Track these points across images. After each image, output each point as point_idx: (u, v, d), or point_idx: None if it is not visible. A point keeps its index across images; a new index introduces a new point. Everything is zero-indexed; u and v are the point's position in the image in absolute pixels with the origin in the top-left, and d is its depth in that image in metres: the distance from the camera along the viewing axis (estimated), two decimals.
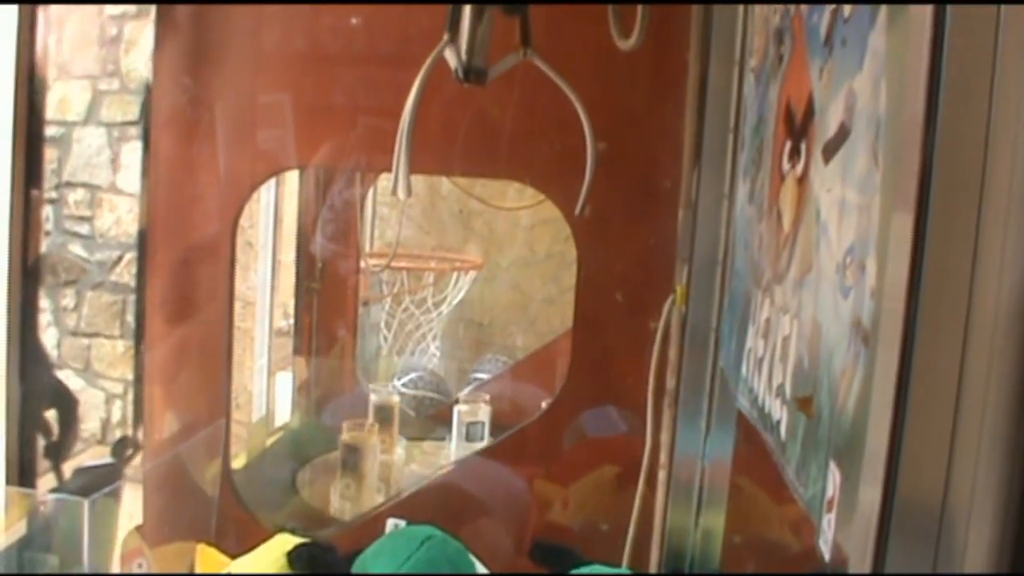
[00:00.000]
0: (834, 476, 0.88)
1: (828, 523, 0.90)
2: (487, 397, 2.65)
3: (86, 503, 1.51)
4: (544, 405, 2.22)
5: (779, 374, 1.14)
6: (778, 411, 1.13)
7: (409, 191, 1.53)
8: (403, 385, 3.11)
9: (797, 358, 1.06)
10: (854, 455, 0.81)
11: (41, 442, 2.02)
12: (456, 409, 2.60)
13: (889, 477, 0.64)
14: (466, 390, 2.98)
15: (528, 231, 3.46)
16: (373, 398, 2.63)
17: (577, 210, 1.66)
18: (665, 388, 1.87)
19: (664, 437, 1.84)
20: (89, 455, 2.67)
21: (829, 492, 0.89)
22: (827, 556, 0.90)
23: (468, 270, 3.25)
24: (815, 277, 1.01)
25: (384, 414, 2.64)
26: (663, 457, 1.83)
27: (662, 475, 1.81)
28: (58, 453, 2.06)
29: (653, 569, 1.83)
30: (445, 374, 3.26)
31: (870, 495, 0.67)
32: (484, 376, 3.22)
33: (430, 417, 2.89)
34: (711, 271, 1.69)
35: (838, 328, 0.91)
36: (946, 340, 0.64)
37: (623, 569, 1.87)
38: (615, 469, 1.98)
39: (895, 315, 0.65)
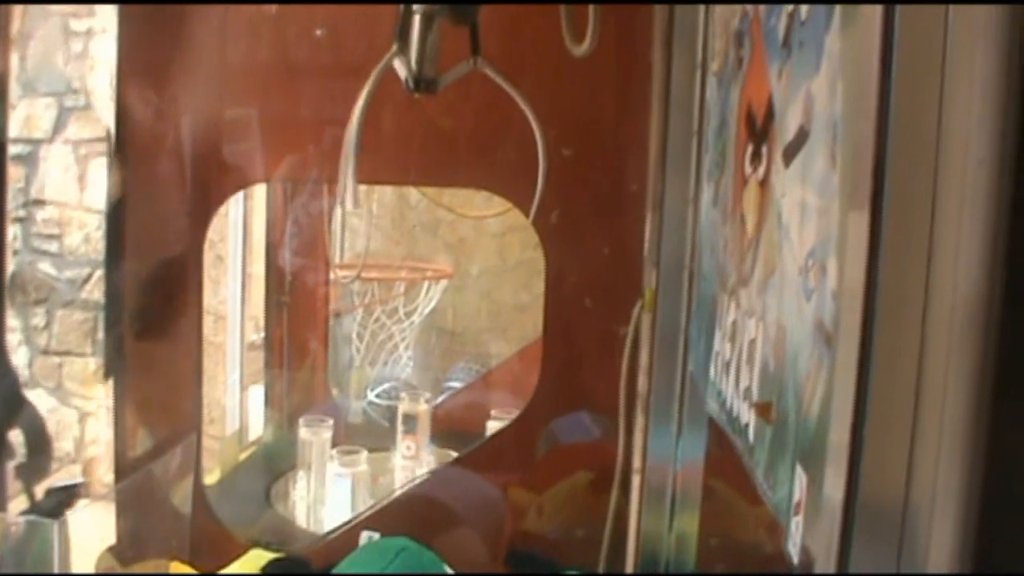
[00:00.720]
0: (800, 479, 0.88)
1: (795, 526, 0.90)
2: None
3: (56, 524, 1.50)
4: (514, 413, 2.22)
5: (746, 377, 1.14)
6: (745, 415, 1.13)
7: (357, 201, 1.53)
8: (376, 396, 3.11)
9: (763, 361, 1.06)
10: (819, 457, 0.81)
11: (11, 463, 2.00)
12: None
13: (851, 477, 0.64)
14: (440, 399, 2.97)
15: (498, 239, 3.46)
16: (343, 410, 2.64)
17: (531, 216, 1.67)
18: (636, 393, 1.88)
19: (636, 442, 1.84)
20: (63, 475, 2.65)
21: (796, 495, 0.89)
22: (795, 558, 0.90)
23: (438, 279, 3.24)
24: (779, 280, 1.01)
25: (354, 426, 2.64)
26: (636, 462, 1.83)
27: (635, 480, 1.81)
28: (28, 474, 2.04)
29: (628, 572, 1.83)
30: (419, 384, 3.25)
31: (833, 496, 0.67)
32: (457, 384, 3.21)
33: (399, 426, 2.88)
34: (679, 275, 1.69)
35: (802, 331, 0.91)
36: (904, 339, 0.64)
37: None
38: (589, 475, 1.98)
39: (853, 315, 0.65)
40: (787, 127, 0.99)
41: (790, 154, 0.97)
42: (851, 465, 0.64)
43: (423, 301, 3.23)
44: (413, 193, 3.28)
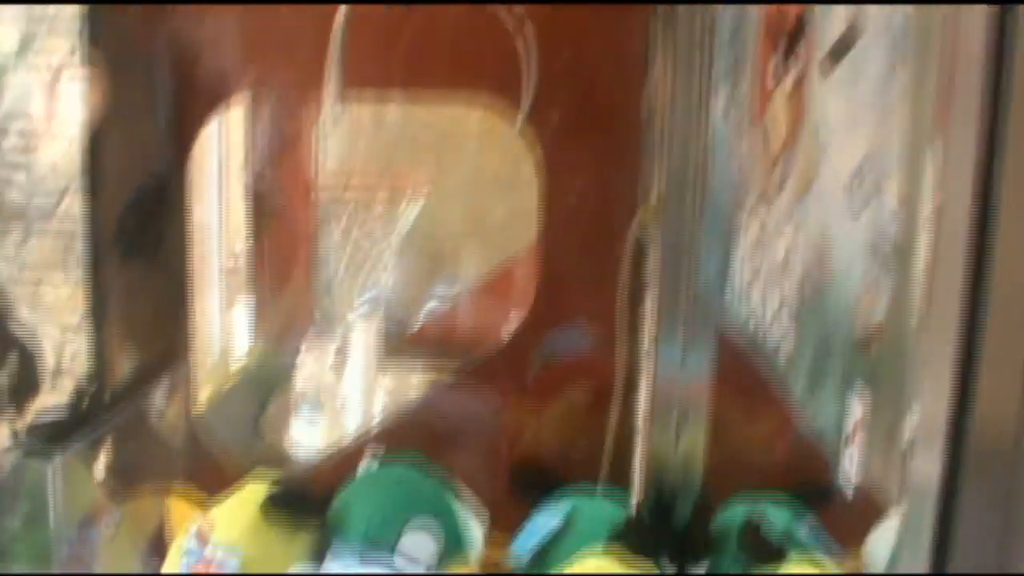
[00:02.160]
0: (855, 406, 0.85)
1: (848, 452, 0.87)
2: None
3: (50, 464, 1.46)
4: (510, 327, 2.19)
5: (776, 297, 1.11)
6: (776, 335, 1.10)
7: (341, 117, 1.48)
8: (360, 313, 3.07)
9: (799, 281, 1.03)
10: (885, 382, 0.78)
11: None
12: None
13: (959, 405, 0.59)
14: (424, 313, 2.94)
15: (476, 154, 3.40)
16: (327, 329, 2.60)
17: (517, 126, 1.62)
18: (635, 307, 1.85)
19: (639, 357, 1.82)
20: (42, 400, 2.60)
21: (851, 418, 0.86)
22: (848, 482, 0.87)
23: (418, 194, 3.19)
24: (816, 197, 0.97)
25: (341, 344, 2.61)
26: (640, 378, 1.81)
27: (641, 396, 1.79)
28: (16, 407, 2.00)
29: (635, 491, 1.82)
30: (402, 299, 3.21)
31: (931, 424, 0.62)
32: (441, 299, 3.18)
33: (389, 344, 2.85)
34: (682, 188, 1.65)
35: (849, 250, 0.87)
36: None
37: (600, 491, 1.86)
38: (587, 391, 1.96)
39: (955, 238, 0.59)
40: (828, 29, 0.93)
41: (834, 58, 0.92)
42: (959, 392, 0.59)
43: (403, 217, 3.18)
44: (391, 108, 3.20)
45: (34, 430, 1.98)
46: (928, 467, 0.59)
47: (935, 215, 0.66)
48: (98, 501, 1.71)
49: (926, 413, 0.60)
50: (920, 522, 0.60)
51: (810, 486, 1.61)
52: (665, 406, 1.74)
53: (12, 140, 3.13)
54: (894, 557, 0.65)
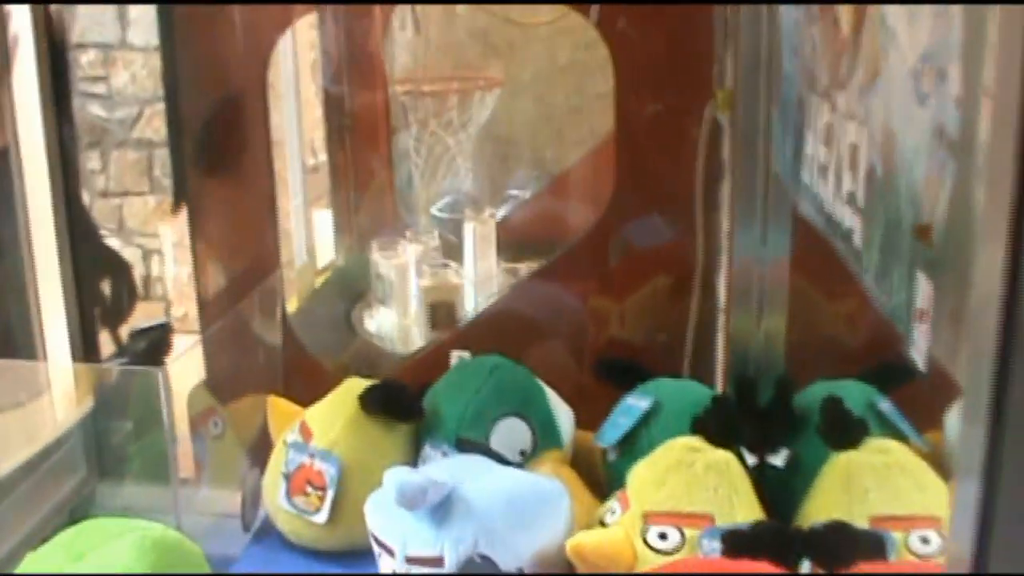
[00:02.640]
0: (923, 287, 0.88)
1: (919, 333, 0.90)
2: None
3: (160, 372, 1.52)
4: (589, 219, 2.22)
5: (848, 182, 1.12)
6: (849, 219, 1.12)
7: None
8: (439, 210, 3.10)
9: (869, 166, 1.04)
10: (947, 265, 0.81)
11: (98, 311, 2.03)
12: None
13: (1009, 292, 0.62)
14: (502, 208, 2.97)
15: (547, 42, 3.38)
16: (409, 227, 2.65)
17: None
18: (714, 193, 1.86)
19: (718, 243, 1.84)
20: (136, 316, 2.68)
21: (918, 303, 0.89)
22: (920, 363, 0.90)
23: (491, 87, 3.20)
24: (884, 84, 0.99)
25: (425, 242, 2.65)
26: (719, 263, 1.84)
27: (720, 281, 1.82)
28: (115, 320, 2.08)
29: (718, 377, 1.85)
30: (480, 194, 3.24)
31: (984, 307, 0.64)
32: (518, 193, 3.20)
33: (472, 241, 2.88)
34: (755, 74, 1.65)
35: (915, 137, 0.89)
36: None
37: (688, 379, 1.89)
38: (668, 280, 1.98)
39: (1007, 125, 0.61)
40: None
41: None
42: (1010, 271, 0.61)
43: (476, 111, 3.19)
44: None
45: (135, 338, 2.07)
46: (982, 343, 0.62)
47: (992, 100, 0.67)
48: (204, 405, 1.77)
49: (979, 292, 0.63)
50: (978, 396, 0.63)
51: (888, 367, 1.63)
52: (745, 290, 1.77)
53: (91, 55, 3.19)
54: (960, 431, 0.67)
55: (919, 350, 0.89)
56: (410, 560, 1.38)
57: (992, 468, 0.66)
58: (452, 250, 2.72)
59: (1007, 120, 0.60)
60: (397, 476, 1.40)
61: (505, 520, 1.39)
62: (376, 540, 1.45)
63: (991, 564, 0.68)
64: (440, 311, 2.39)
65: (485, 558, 1.37)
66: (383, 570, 1.46)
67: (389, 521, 1.42)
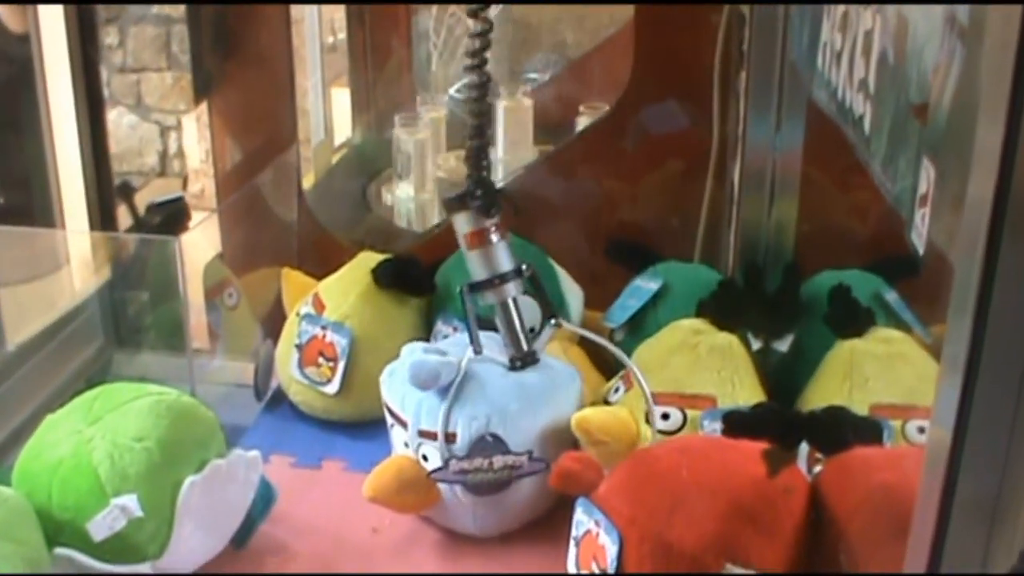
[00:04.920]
0: (928, 171, 0.88)
1: (921, 217, 0.91)
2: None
3: (176, 241, 1.54)
4: (606, 103, 2.21)
5: (861, 68, 1.13)
6: (860, 105, 1.13)
7: None
8: (456, 91, 3.09)
9: (881, 52, 1.05)
10: (950, 151, 0.82)
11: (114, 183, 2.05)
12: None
13: (1003, 174, 0.63)
14: (521, 90, 2.95)
15: None
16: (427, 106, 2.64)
17: None
18: (730, 80, 1.86)
19: (733, 130, 1.85)
20: (152, 190, 2.70)
21: (922, 187, 0.90)
22: (920, 248, 0.91)
23: None
24: None
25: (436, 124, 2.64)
26: (733, 149, 1.84)
27: (734, 168, 1.82)
28: (129, 192, 2.10)
29: (728, 261, 1.87)
30: (497, 76, 3.22)
31: (981, 193, 0.66)
32: (536, 76, 3.18)
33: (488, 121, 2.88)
34: None
35: (927, 23, 0.89)
36: None
37: (697, 263, 1.91)
38: (682, 164, 1.98)
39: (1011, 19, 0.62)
40: None
41: None
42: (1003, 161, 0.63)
43: None
44: None
45: (152, 211, 2.09)
46: (973, 231, 0.63)
47: None
48: (219, 276, 1.80)
49: (976, 182, 0.64)
50: (967, 285, 0.65)
51: (895, 259, 1.64)
52: (758, 177, 1.77)
53: None
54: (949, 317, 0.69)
55: (919, 235, 0.90)
56: (422, 434, 1.42)
57: (972, 361, 0.68)
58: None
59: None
60: (412, 355, 1.43)
61: (518, 402, 1.42)
62: (390, 411, 1.49)
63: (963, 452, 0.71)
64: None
65: (496, 437, 1.40)
66: (395, 440, 1.49)
67: (404, 394, 1.45)
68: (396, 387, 1.47)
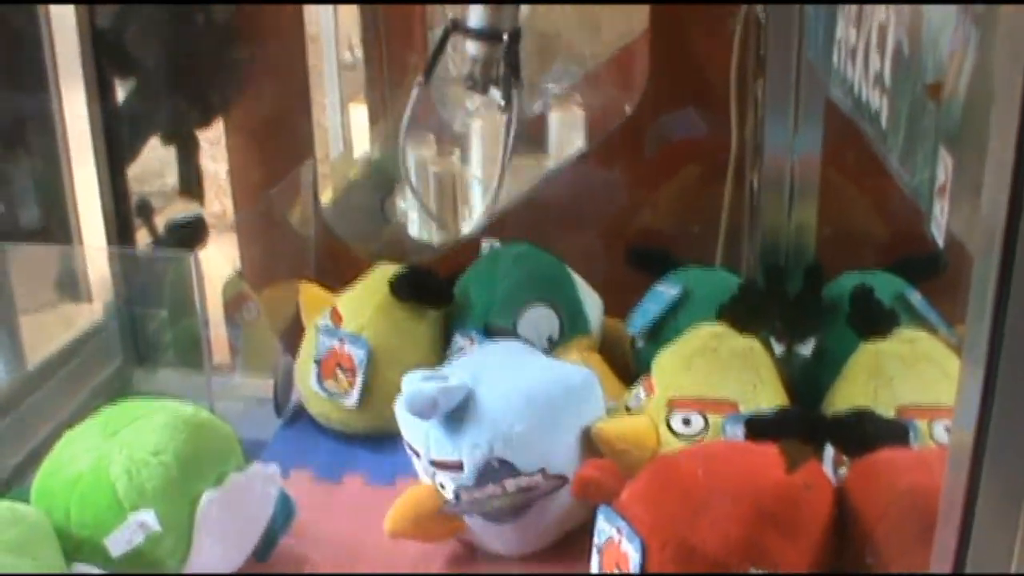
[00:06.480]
0: (945, 161, 0.87)
1: (940, 209, 0.89)
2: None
3: (192, 256, 1.54)
4: (627, 111, 2.20)
5: (876, 62, 1.11)
6: (876, 100, 1.11)
7: None
8: (478, 103, 3.09)
9: (896, 44, 1.03)
10: (968, 139, 0.80)
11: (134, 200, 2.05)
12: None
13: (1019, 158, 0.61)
14: (539, 103, 2.94)
15: None
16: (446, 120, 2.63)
17: None
18: (748, 84, 1.85)
19: (751, 134, 1.83)
20: (173, 209, 2.70)
21: (940, 178, 0.88)
22: (940, 240, 0.89)
23: None
24: None
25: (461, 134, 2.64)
26: (751, 153, 1.83)
27: (753, 172, 1.81)
28: (149, 210, 2.10)
29: (750, 266, 1.85)
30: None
31: (998, 178, 0.64)
32: (554, 86, 3.18)
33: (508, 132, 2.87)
34: None
35: (943, 10, 0.88)
36: None
37: (718, 268, 1.90)
38: (701, 170, 1.97)
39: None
40: None
41: None
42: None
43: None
44: None
45: (171, 229, 2.09)
46: (993, 220, 0.62)
47: None
48: (238, 291, 1.79)
49: (993, 167, 0.63)
50: (986, 273, 0.63)
51: (918, 260, 1.62)
52: (777, 180, 1.76)
53: None
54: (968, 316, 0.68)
55: (939, 227, 0.89)
56: (434, 464, 1.39)
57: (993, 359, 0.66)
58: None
59: None
60: (410, 385, 1.37)
61: (524, 422, 1.35)
62: (406, 442, 1.46)
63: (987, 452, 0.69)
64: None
65: (503, 462, 1.34)
66: (416, 467, 1.46)
67: (414, 424, 1.41)
68: (406, 416, 1.41)
